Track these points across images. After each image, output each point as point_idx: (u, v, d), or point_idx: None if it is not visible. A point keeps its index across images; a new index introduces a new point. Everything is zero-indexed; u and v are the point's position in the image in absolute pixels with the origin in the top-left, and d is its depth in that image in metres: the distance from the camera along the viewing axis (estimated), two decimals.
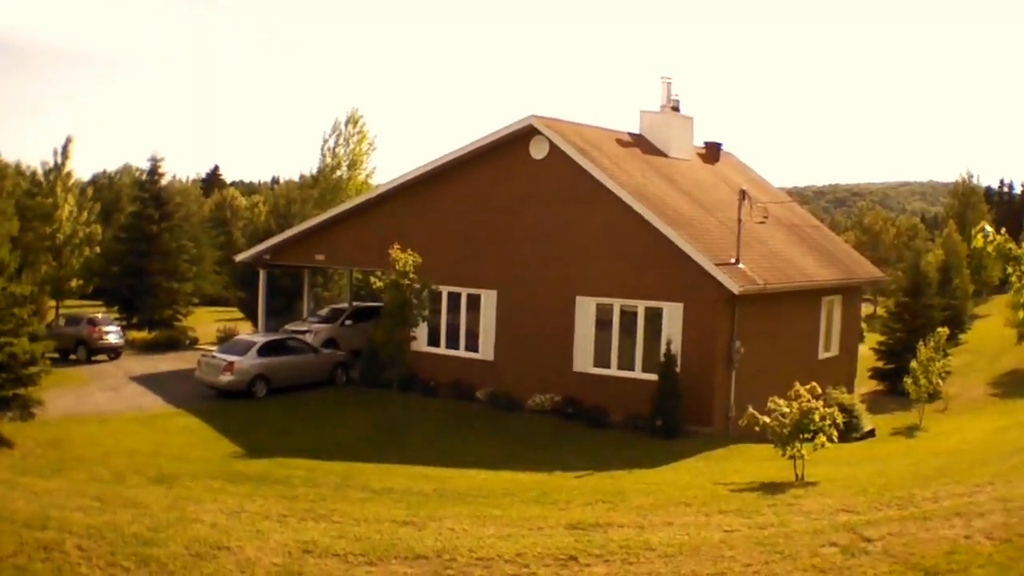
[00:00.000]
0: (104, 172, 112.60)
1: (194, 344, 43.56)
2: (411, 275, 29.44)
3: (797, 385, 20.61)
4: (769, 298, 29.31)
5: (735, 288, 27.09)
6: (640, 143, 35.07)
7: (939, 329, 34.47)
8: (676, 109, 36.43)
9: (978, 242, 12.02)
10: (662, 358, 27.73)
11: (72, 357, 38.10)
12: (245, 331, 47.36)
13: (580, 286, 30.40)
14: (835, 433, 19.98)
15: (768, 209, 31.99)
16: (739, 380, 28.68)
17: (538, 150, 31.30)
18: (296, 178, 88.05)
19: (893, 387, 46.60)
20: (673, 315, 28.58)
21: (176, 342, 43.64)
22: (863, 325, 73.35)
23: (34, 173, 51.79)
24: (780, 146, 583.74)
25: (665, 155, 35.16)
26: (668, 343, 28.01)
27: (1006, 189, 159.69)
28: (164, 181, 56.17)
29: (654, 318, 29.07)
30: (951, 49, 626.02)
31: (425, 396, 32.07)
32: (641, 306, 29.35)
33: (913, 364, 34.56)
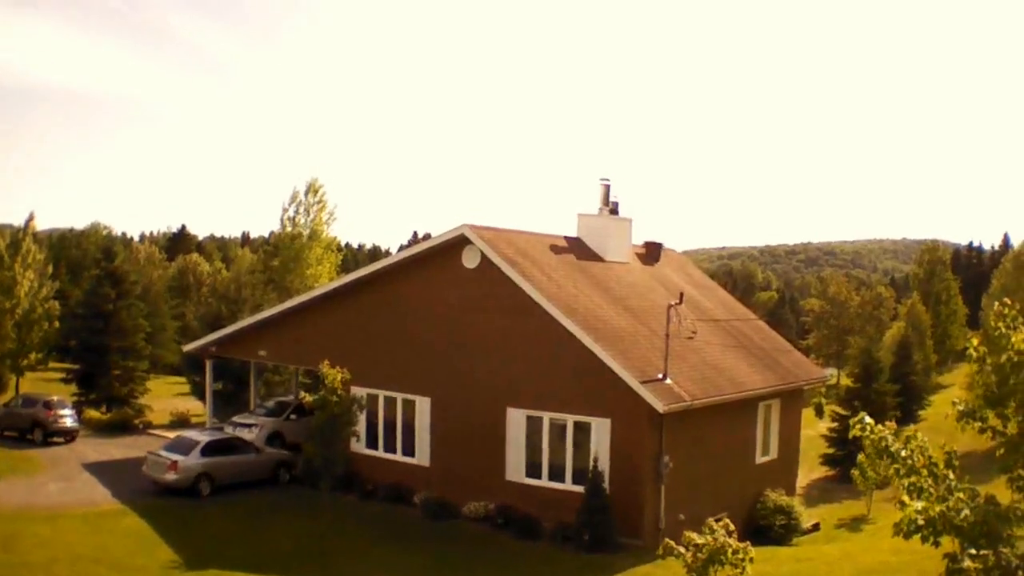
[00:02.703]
0: (72, 230, 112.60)
1: (147, 428, 44.02)
2: (340, 392, 29.90)
3: (710, 521, 21.08)
4: (700, 410, 29.66)
5: (660, 407, 27.53)
6: (576, 248, 35.54)
7: (886, 423, 34.75)
8: (614, 212, 36.79)
9: (855, 431, 12.23)
10: (589, 474, 28.06)
11: (29, 438, 38.86)
12: (197, 410, 47.72)
13: (511, 397, 30.81)
14: (748, 567, 20.41)
15: (696, 325, 32.43)
16: (669, 492, 29.07)
17: (470, 259, 31.77)
18: (266, 234, 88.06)
19: (844, 473, 47.12)
20: (601, 430, 28.99)
21: (130, 425, 44.05)
22: (823, 400, 74.18)
23: None
24: (751, 206, 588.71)
25: (602, 259, 35.64)
26: (595, 459, 28.41)
27: (975, 252, 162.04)
28: (132, 243, 56.53)
29: (583, 431, 29.49)
30: (920, 108, 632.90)
31: (363, 499, 32.52)
32: (570, 420, 29.77)
33: (860, 457, 34.87)
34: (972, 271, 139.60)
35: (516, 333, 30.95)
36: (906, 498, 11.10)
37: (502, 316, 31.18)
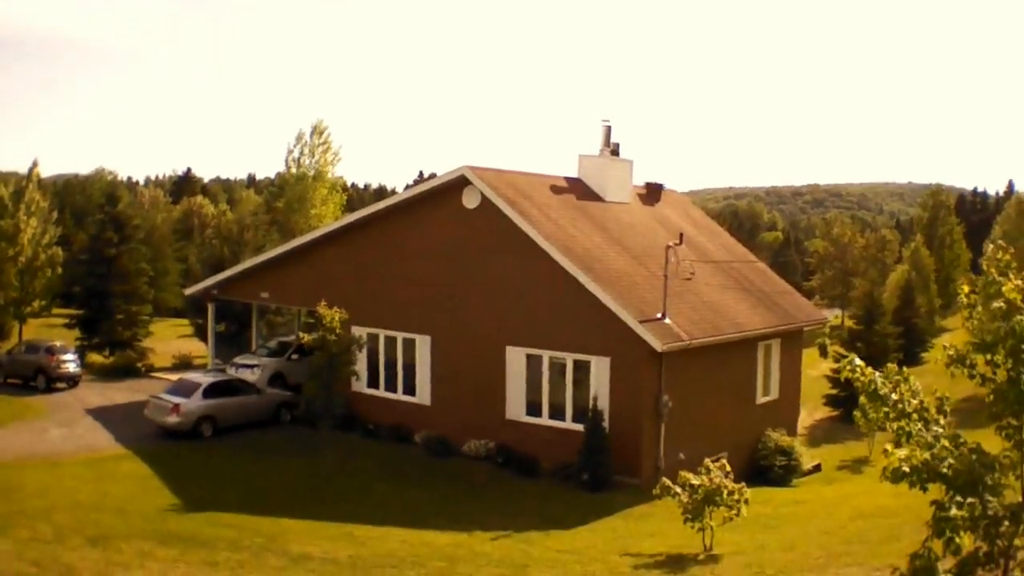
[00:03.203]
0: (76, 176, 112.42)
1: (150, 371, 44.19)
2: (338, 331, 29.99)
3: (707, 461, 21.23)
4: (699, 350, 29.78)
5: (658, 346, 27.65)
6: (576, 188, 35.51)
7: (889, 364, 34.74)
8: (616, 153, 36.75)
9: (845, 374, 12.04)
10: (589, 413, 28.21)
11: (32, 384, 39.01)
12: (200, 352, 47.89)
13: (510, 336, 30.96)
14: (744, 508, 20.55)
15: (695, 267, 32.39)
16: (669, 431, 29.24)
17: (470, 200, 31.80)
18: (272, 176, 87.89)
19: (847, 414, 47.24)
20: (601, 369, 29.09)
21: (133, 369, 44.31)
22: (827, 341, 74.20)
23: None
24: (758, 146, 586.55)
25: (602, 199, 35.61)
26: (595, 398, 28.55)
27: (979, 198, 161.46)
28: (137, 187, 56.54)
29: (583, 370, 29.62)
30: (930, 52, 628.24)
31: (365, 438, 32.73)
32: (570, 359, 29.91)
33: (862, 399, 34.99)
34: (976, 216, 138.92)
35: (515, 273, 31.03)
36: (889, 446, 10.89)
37: (502, 256, 31.25)
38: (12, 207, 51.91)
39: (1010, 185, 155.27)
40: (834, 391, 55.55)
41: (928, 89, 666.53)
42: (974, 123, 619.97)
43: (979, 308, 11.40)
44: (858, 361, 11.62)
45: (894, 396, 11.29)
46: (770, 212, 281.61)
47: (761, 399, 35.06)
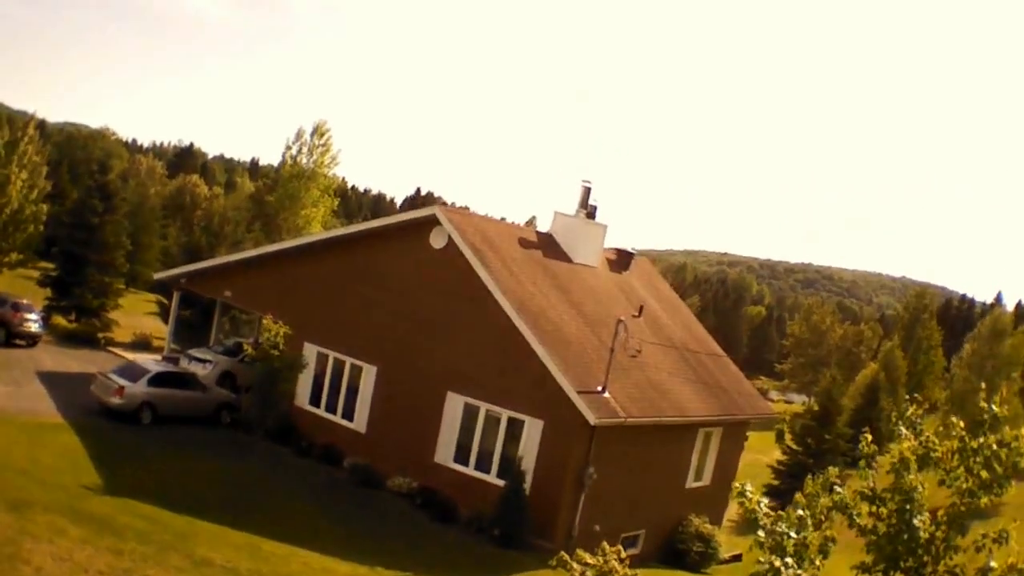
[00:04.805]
0: (80, 131, 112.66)
1: (108, 345, 44.45)
2: (281, 347, 30.38)
3: (604, 544, 21.59)
4: (635, 427, 30.19)
5: (592, 419, 28.10)
6: (546, 245, 36.00)
7: (830, 468, 35.06)
8: (592, 215, 37.20)
9: (735, 498, 12.00)
10: (514, 471, 28.60)
11: None
12: (161, 333, 48.19)
13: (453, 381, 31.39)
14: None
15: (643, 345, 32.84)
16: (588, 501, 29.65)
17: (438, 240, 32.27)
18: (275, 163, 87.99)
19: (784, 507, 47.59)
20: (533, 430, 29.61)
21: (93, 339, 44.65)
22: (785, 428, 74.56)
23: None
24: (758, 217, 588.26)
25: (570, 260, 36.06)
26: (521, 457, 29.07)
27: (965, 304, 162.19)
28: (138, 154, 56.76)
29: (516, 428, 30.10)
30: (937, 147, 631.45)
31: (296, 454, 33.03)
32: (505, 414, 30.39)
33: (798, 497, 35.28)
34: (961, 323, 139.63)
35: (469, 320, 31.50)
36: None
37: (459, 301, 31.71)
38: (4, 157, 52.17)
39: (998, 297, 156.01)
40: (775, 482, 55.99)
41: (932, 188, 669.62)
42: (975, 228, 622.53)
43: (876, 459, 11.79)
44: (748, 487, 11.64)
45: (781, 527, 11.32)
46: (759, 284, 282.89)
47: (692, 483, 35.43)
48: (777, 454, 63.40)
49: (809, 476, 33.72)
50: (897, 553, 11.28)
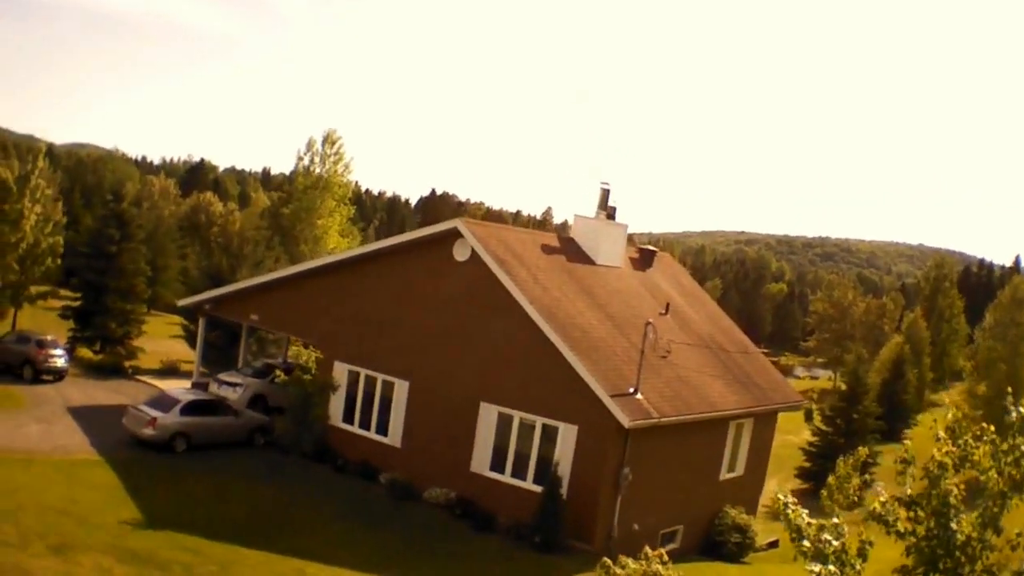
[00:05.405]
0: (88, 154, 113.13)
1: (135, 374, 44.62)
2: (313, 371, 30.55)
3: (647, 548, 21.82)
4: (668, 425, 30.24)
5: (626, 422, 28.14)
6: (568, 249, 36.02)
7: (860, 448, 35.11)
8: (611, 216, 37.29)
9: (779, 508, 12.17)
10: (551, 476, 28.73)
11: (17, 373, 39.57)
12: (188, 356, 48.37)
13: (485, 391, 31.47)
14: None
15: (672, 345, 32.90)
16: (626, 502, 29.72)
17: (461, 252, 32.30)
18: (288, 172, 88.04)
19: (818, 487, 47.71)
20: (568, 436, 29.66)
21: (120, 368, 44.78)
22: (813, 406, 74.66)
23: (4, 180, 52.20)
24: (774, 194, 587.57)
25: (593, 262, 36.11)
26: (557, 463, 29.15)
27: (984, 270, 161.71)
28: (148, 177, 56.82)
29: (550, 434, 30.14)
30: (955, 117, 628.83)
31: (334, 471, 33.18)
32: (539, 422, 30.42)
33: (830, 479, 35.36)
34: (981, 289, 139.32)
35: (498, 331, 31.52)
36: None
37: (486, 312, 31.76)
38: (17, 192, 52.33)
39: (1016, 260, 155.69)
40: (807, 464, 56.06)
41: (948, 153, 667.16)
42: (990, 190, 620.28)
43: (911, 468, 11.85)
44: (791, 499, 11.75)
45: (824, 536, 11.39)
46: (779, 261, 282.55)
47: (726, 475, 35.48)
48: (807, 434, 63.46)
49: (841, 458, 33.77)
50: (936, 556, 11.38)
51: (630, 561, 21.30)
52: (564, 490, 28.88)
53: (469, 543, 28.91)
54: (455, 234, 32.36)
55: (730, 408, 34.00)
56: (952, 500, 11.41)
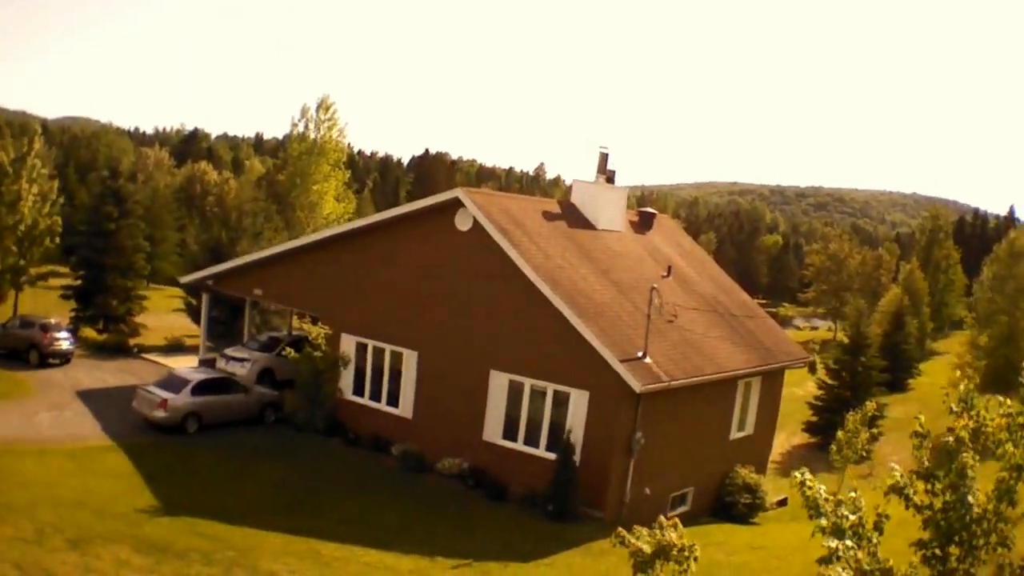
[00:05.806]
0: (82, 127, 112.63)
1: (140, 352, 44.69)
2: (323, 348, 30.55)
3: (661, 518, 21.87)
4: (677, 388, 30.30)
5: (637, 387, 28.17)
6: (569, 214, 35.94)
7: (868, 403, 35.22)
8: (611, 180, 37.25)
9: (795, 485, 12.26)
10: (563, 443, 28.84)
11: (24, 358, 39.66)
12: (192, 331, 48.38)
13: (494, 360, 31.49)
14: (693, 564, 21.20)
15: (677, 309, 32.92)
16: (638, 467, 29.83)
17: (463, 222, 32.22)
18: (280, 137, 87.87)
19: (826, 441, 47.94)
20: (579, 402, 29.70)
21: (125, 347, 44.91)
22: (817, 358, 74.96)
23: (0, 163, 52.04)
24: (767, 144, 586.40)
25: (594, 227, 36.06)
26: (569, 430, 29.21)
27: (979, 220, 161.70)
28: (143, 150, 56.64)
29: (562, 401, 30.19)
30: (945, 65, 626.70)
31: (345, 445, 33.39)
32: (550, 388, 30.46)
33: (839, 435, 35.44)
34: (976, 239, 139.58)
35: (504, 298, 31.56)
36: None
37: (491, 280, 31.77)
38: (13, 174, 52.18)
39: (1011, 211, 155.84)
40: (814, 418, 56.23)
41: (940, 101, 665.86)
42: (984, 139, 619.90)
43: (927, 441, 11.90)
44: (808, 475, 11.70)
45: (841, 510, 11.41)
46: (772, 212, 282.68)
47: (735, 435, 35.60)
48: (811, 387, 63.64)
49: (849, 413, 33.80)
50: (952, 529, 11.44)
51: (644, 531, 21.40)
52: (577, 457, 28.95)
53: (483, 513, 29.01)
54: (457, 204, 32.26)
55: (738, 368, 34.02)
56: (969, 472, 11.47)
